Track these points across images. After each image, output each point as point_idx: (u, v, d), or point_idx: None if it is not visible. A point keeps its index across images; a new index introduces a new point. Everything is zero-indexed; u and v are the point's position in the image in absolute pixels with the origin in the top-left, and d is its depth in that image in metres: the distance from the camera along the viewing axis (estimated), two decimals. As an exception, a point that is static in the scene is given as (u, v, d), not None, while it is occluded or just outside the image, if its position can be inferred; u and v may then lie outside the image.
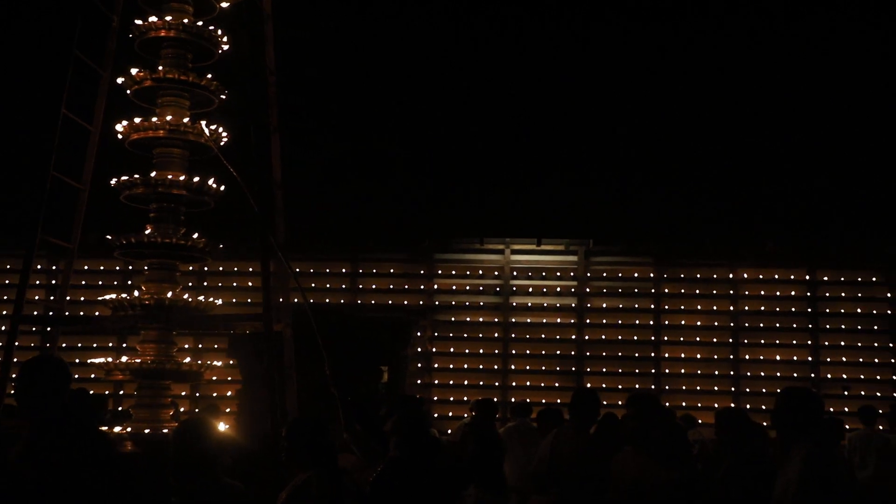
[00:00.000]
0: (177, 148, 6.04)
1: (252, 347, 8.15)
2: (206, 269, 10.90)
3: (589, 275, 11.14)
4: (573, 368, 10.87)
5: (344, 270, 11.36)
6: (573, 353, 10.92)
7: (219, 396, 10.54)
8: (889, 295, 10.46)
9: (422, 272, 11.31)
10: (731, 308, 10.79)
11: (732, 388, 10.56)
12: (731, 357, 10.66)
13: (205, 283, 11.02)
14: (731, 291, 10.82)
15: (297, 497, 3.20)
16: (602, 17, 10.90)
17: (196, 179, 5.99)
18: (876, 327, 10.46)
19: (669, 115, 10.76)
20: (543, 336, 11.05)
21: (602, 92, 10.90)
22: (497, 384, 10.93)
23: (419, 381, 10.79)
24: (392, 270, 11.38)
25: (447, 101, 11.12)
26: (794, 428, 3.26)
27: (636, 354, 10.85)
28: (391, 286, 11.32)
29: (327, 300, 11.18)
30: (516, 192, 10.87)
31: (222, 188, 6.12)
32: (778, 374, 10.46)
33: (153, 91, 6.06)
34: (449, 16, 11.15)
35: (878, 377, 10.33)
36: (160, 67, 6.00)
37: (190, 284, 10.94)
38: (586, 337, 10.96)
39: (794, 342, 10.58)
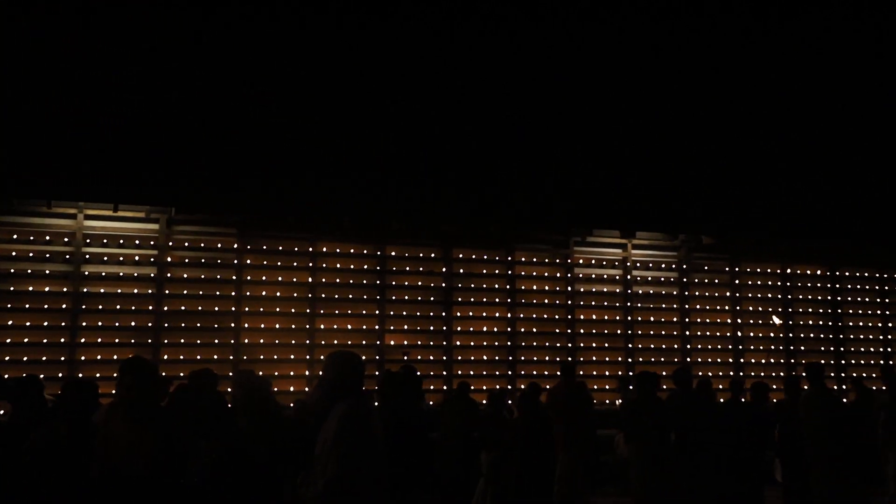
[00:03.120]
0: None
1: None
2: None
3: (171, 244, 12.20)
4: (150, 340, 11.83)
5: None
6: (150, 324, 11.89)
7: None
8: (444, 269, 13.25)
9: (-25, 236, 11.37)
10: (310, 280, 12.64)
11: (307, 357, 12.40)
12: (308, 327, 12.47)
13: None
14: (311, 264, 12.70)
15: None
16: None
17: None
18: (433, 298, 13.17)
19: (248, 87, 12.34)
20: (119, 307, 11.78)
21: (184, 65, 12.08)
22: (63, 358, 11.41)
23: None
24: (-64, 233, 11.26)
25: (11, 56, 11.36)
26: (337, 387, 4.03)
27: (216, 325, 12.17)
28: (-66, 250, 11.19)
29: None
30: (92, 152, 11.43)
31: None
32: (349, 342, 12.51)
33: None
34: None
35: (432, 343, 13.02)
36: None
37: None
38: (165, 308, 12.00)
39: (364, 312, 12.79)
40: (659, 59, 14.44)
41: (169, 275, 12.07)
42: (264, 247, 12.56)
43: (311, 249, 12.71)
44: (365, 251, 12.95)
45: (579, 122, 13.90)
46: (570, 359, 13.31)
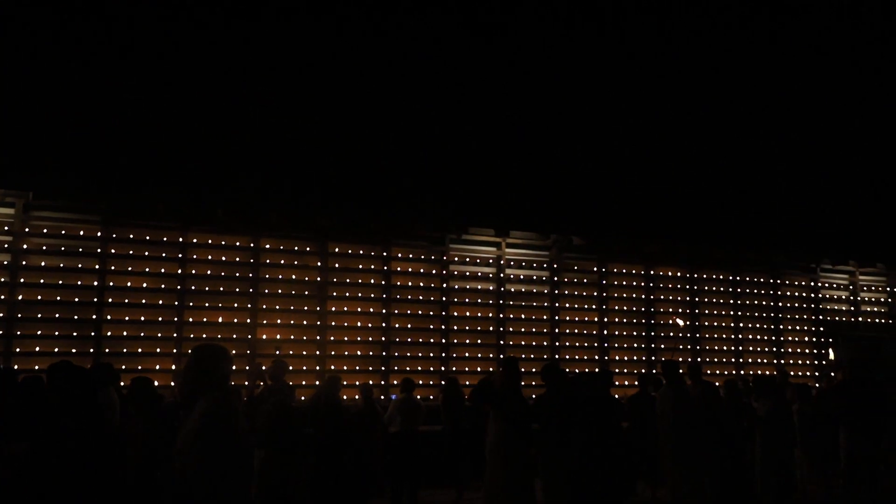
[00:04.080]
0: None
1: None
2: None
3: (28, 230, 11.78)
4: (1, 332, 11.41)
5: None
6: (2, 315, 11.44)
7: None
8: (319, 263, 13.45)
9: None
10: (180, 271, 12.54)
11: (174, 350, 12.29)
12: (176, 319, 12.36)
13: None
14: (180, 254, 12.59)
15: None
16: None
17: None
18: (307, 292, 13.34)
19: (115, 70, 12.12)
20: (-33, 296, 11.36)
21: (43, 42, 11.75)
22: None
23: None
24: None
25: None
26: (201, 381, 4.05)
27: (76, 317, 11.86)
28: None
29: None
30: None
31: None
32: (219, 335, 12.49)
33: None
34: None
35: (305, 338, 13.16)
36: None
37: None
38: (20, 297, 11.58)
39: (236, 305, 12.80)
40: (535, 61, 15.17)
41: (25, 262, 11.67)
42: (131, 236, 12.33)
43: (181, 240, 12.58)
44: (238, 243, 12.93)
45: (455, 120, 14.42)
46: (508, 354, 13.77)
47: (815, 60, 18.38)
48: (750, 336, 16.97)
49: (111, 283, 12.11)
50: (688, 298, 16.42)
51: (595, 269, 15.54)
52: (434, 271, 14.21)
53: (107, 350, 11.88)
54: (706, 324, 16.51)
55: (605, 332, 15.39)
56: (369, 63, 13.96)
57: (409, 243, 14.06)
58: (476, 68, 14.82)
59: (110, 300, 12.06)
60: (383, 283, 13.75)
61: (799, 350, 17.47)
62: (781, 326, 17.32)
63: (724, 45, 17.14)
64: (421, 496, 10.16)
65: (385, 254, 13.85)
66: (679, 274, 16.42)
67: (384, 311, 13.68)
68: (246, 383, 12.06)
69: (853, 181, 20.74)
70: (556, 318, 14.96)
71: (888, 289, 18.71)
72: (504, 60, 14.99)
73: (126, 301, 12.14)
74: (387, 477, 10.24)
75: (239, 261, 12.91)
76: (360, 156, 13.55)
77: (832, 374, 16.81)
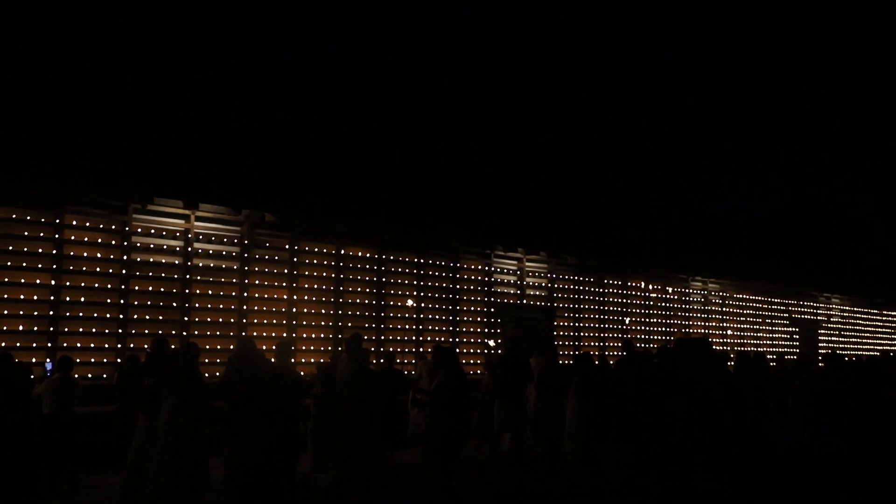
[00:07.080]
0: None
1: None
2: None
3: None
4: None
5: None
6: None
7: None
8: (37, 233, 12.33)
9: None
10: None
11: None
12: None
13: None
14: None
15: None
16: None
17: None
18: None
19: None
20: None
21: None
22: None
23: None
24: None
25: None
26: None
27: None
28: None
29: None
30: None
31: None
32: None
33: None
34: None
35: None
36: None
37: None
38: None
39: None
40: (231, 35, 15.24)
41: None
42: None
43: None
44: None
45: (147, 85, 14.03)
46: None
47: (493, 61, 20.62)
48: (431, 316, 18.64)
49: None
50: (375, 278, 17.59)
51: (287, 246, 16.03)
52: (114, 242, 13.68)
53: None
54: (391, 303, 17.82)
55: (294, 309, 15.97)
56: (56, 23, 13.04)
57: (85, 211, 13.36)
58: (179, 39, 14.52)
59: None
60: (54, 252, 12.97)
61: (473, 329, 19.58)
62: (458, 307, 19.26)
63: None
64: (84, 481, 9.91)
65: (57, 221, 13.05)
66: (368, 255, 17.53)
67: (53, 282, 12.91)
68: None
69: (525, 177, 23.65)
70: (245, 294, 15.20)
71: (548, 275, 21.66)
72: (199, 34, 14.86)
73: None
74: (42, 462, 9.84)
75: None
76: (30, 111, 12.62)
77: (499, 351, 19.14)
